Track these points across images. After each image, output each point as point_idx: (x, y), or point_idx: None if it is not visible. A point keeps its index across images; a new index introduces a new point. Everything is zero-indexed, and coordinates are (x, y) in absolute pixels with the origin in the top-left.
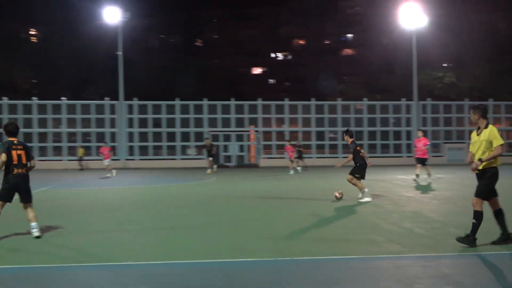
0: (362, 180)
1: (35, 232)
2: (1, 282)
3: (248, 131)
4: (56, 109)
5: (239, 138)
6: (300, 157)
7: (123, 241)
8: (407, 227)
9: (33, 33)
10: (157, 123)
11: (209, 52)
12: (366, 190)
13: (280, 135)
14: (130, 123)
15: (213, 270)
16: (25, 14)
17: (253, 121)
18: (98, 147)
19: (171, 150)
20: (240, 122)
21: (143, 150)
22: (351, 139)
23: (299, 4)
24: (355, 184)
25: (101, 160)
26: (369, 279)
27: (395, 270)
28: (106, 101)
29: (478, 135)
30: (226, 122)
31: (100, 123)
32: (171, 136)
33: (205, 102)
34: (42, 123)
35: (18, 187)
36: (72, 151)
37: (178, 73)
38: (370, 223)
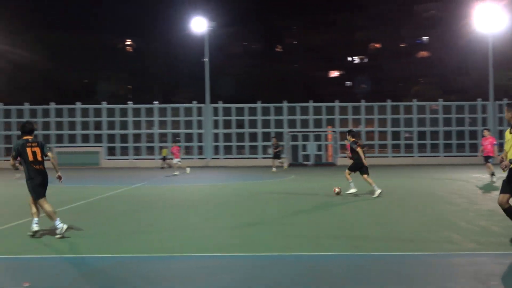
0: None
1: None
2: (102, 270)
3: (325, 131)
4: (149, 112)
5: (317, 138)
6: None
7: (209, 234)
8: (483, 225)
9: (128, 43)
10: (240, 124)
11: (288, 57)
12: (351, 183)
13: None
14: (216, 124)
15: (292, 263)
16: (121, 27)
17: (331, 122)
18: (185, 147)
19: (253, 149)
20: (318, 123)
21: (227, 150)
22: (353, 139)
23: (375, 9)
24: (347, 178)
25: (183, 159)
26: (446, 275)
27: (471, 267)
28: (194, 105)
29: (510, 133)
30: (304, 123)
31: (188, 124)
32: (253, 137)
33: (285, 105)
34: (137, 125)
35: (41, 182)
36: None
37: (259, 77)
38: (447, 221)
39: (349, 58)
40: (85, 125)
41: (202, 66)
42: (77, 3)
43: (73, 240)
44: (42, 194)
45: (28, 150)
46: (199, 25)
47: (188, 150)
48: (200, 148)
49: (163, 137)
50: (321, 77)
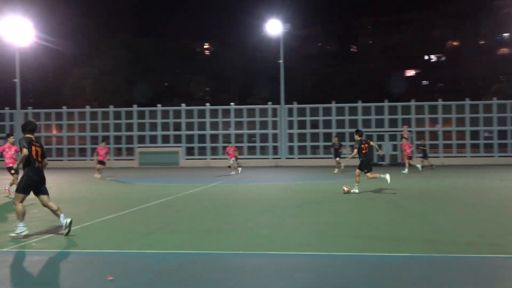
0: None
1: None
2: (182, 266)
3: (401, 131)
4: (226, 113)
5: (392, 138)
6: (425, 156)
7: (284, 233)
8: None
9: (206, 47)
10: (314, 124)
11: (363, 57)
12: (357, 184)
13: (433, 135)
14: (290, 125)
15: (366, 263)
16: (200, 31)
17: (406, 122)
18: (248, 147)
19: (327, 149)
20: (393, 123)
21: (302, 150)
22: (360, 138)
23: (452, 6)
24: (356, 177)
25: (252, 158)
26: None
27: None
28: (269, 105)
29: None
30: (379, 123)
31: (263, 125)
32: (327, 137)
33: (360, 104)
34: (214, 126)
35: (38, 181)
36: (239, 150)
37: (334, 77)
38: None
39: (426, 57)
40: (165, 126)
41: (277, 68)
42: (159, 10)
43: (154, 236)
44: (28, 192)
45: (33, 148)
46: (274, 27)
47: (263, 150)
48: (275, 148)
49: (239, 138)
50: (396, 76)
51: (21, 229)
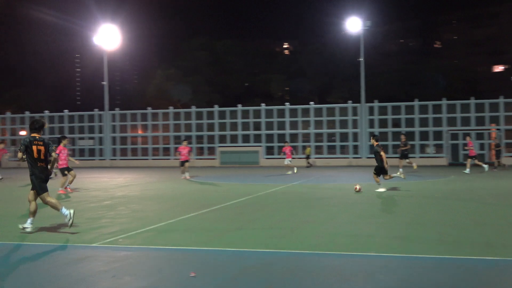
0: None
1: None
2: (264, 264)
3: (489, 129)
4: (305, 112)
5: (479, 136)
6: (498, 155)
7: (365, 233)
8: None
9: (285, 46)
10: (396, 123)
11: (447, 53)
12: (381, 183)
13: None
14: (371, 123)
15: (454, 266)
16: (279, 31)
17: (494, 120)
18: (327, 147)
19: (410, 148)
20: (480, 121)
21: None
22: (377, 143)
23: None
24: (376, 179)
25: (332, 158)
26: None
27: None
28: (349, 104)
29: None
30: (465, 121)
31: (343, 124)
32: (410, 136)
33: (444, 102)
34: (293, 125)
35: (44, 179)
36: (319, 149)
37: (416, 74)
38: None
39: None
40: (245, 126)
41: (357, 66)
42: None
43: (235, 234)
44: (46, 189)
45: (34, 148)
46: (354, 25)
47: (343, 150)
48: (355, 147)
49: (318, 137)
50: (483, 72)
51: (27, 225)
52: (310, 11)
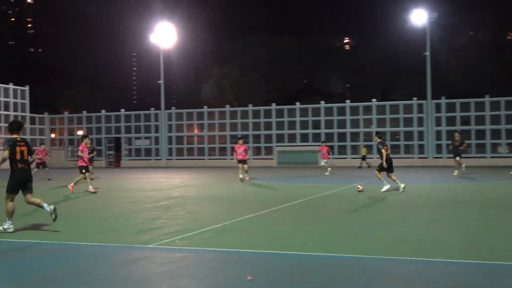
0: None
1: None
2: (323, 269)
3: None
4: (367, 110)
5: None
6: None
7: (433, 237)
8: None
9: (346, 41)
10: (465, 121)
11: None
12: (384, 181)
13: None
14: (438, 121)
15: None
16: (339, 26)
17: None
18: (391, 146)
19: (480, 148)
20: None
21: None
22: (380, 140)
23: None
24: (378, 177)
25: (396, 158)
26: None
27: None
28: (414, 101)
29: None
30: None
31: (408, 122)
32: (480, 134)
33: None
34: (355, 123)
35: (23, 180)
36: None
37: (487, 69)
38: None
39: None
40: (304, 125)
41: (423, 60)
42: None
43: (294, 237)
44: (16, 192)
45: (17, 149)
46: (419, 17)
47: (407, 149)
48: (421, 146)
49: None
50: None
51: (7, 226)
52: (372, 3)
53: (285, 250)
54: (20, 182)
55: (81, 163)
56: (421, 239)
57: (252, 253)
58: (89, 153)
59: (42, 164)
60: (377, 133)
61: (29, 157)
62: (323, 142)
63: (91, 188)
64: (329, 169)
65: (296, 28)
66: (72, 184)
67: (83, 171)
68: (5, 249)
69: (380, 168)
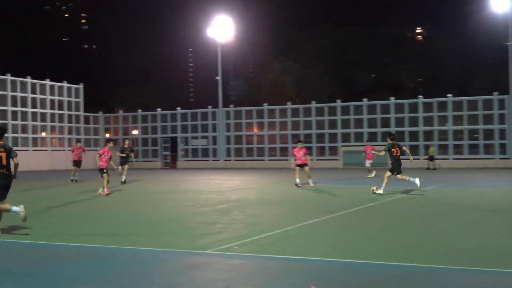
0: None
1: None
2: (391, 279)
3: None
4: (442, 106)
5: None
6: None
7: (485, 242)
8: None
9: (418, 31)
10: None
11: None
12: (384, 185)
13: None
14: None
15: None
16: (410, 14)
17: None
18: (469, 145)
19: None
20: None
21: None
22: (392, 141)
23: None
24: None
25: (474, 159)
26: None
27: None
28: (495, 96)
29: None
30: None
31: (488, 119)
32: None
33: None
34: (428, 121)
35: (3, 185)
36: (458, 149)
37: None
38: None
39: None
40: (372, 123)
41: (504, 51)
42: None
43: (360, 244)
44: (4, 196)
45: None
46: (500, 3)
47: (487, 149)
48: (502, 146)
49: (458, 134)
50: None
51: (15, 210)
52: None
53: (351, 258)
54: (2, 186)
55: (101, 166)
56: (500, 247)
57: (315, 260)
58: (125, 153)
59: (75, 163)
60: (389, 134)
61: (12, 160)
62: (367, 141)
63: (100, 191)
64: (374, 171)
65: (362, 17)
66: (103, 190)
67: (105, 170)
68: (40, 255)
69: (398, 172)
